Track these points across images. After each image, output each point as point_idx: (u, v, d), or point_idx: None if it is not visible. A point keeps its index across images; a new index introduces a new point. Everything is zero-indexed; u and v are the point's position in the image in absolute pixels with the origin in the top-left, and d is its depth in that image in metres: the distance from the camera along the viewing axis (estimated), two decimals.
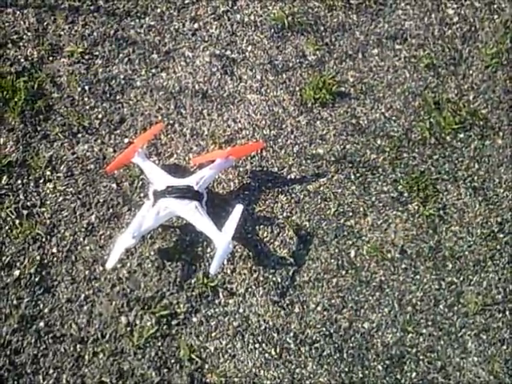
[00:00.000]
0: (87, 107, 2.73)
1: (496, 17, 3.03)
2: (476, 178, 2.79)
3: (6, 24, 2.83)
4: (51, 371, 2.38)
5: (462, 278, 2.65)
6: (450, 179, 2.79)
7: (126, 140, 2.71)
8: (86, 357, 2.41)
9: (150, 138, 2.67)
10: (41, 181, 2.61)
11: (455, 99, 2.91)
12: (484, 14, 3.05)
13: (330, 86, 2.86)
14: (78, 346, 2.42)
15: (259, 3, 2.98)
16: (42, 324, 2.43)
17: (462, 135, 2.85)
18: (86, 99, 2.74)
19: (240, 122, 2.80)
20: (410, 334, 2.56)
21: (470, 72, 2.96)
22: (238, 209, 2.52)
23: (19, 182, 2.59)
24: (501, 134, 2.86)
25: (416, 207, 2.73)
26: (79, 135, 2.69)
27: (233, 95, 2.84)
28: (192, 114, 2.78)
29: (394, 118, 2.86)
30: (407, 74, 2.94)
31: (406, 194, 2.75)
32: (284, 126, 2.81)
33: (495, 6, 3.05)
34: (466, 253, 2.68)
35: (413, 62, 2.96)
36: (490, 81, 2.94)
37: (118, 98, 2.77)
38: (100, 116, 2.73)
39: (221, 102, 2.82)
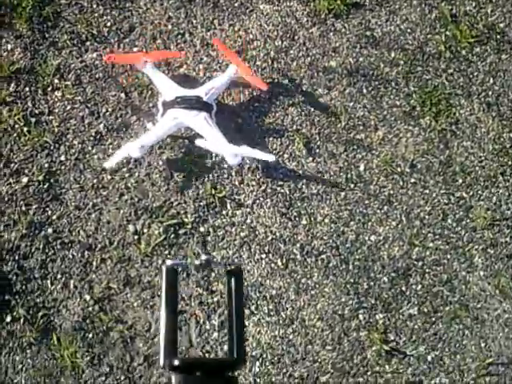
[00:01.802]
0: (96, 14, 2.69)
1: None
2: (490, 93, 2.74)
3: None
4: (59, 276, 2.40)
5: (471, 193, 2.63)
6: (464, 94, 2.74)
7: (135, 49, 2.67)
8: (94, 263, 2.43)
9: (162, 59, 2.63)
10: (49, 88, 2.59)
11: (473, 12, 2.84)
12: None
13: None
14: (86, 252, 2.44)
15: None
16: (50, 230, 2.44)
17: (477, 49, 2.79)
18: (94, 6, 2.70)
19: (251, 32, 2.75)
20: (417, 248, 2.56)
21: None
22: (270, 157, 2.48)
23: (27, 89, 2.57)
24: None
25: (428, 122, 2.69)
26: (88, 43, 2.66)
27: (244, 5, 2.78)
28: (203, 23, 2.74)
29: (409, 30, 2.80)
30: None
31: (418, 109, 2.71)
32: (296, 37, 2.76)
33: None
34: (477, 168, 2.66)
35: None
36: None
37: (127, 5, 2.72)
38: (109, 24, 2.69)
39: (232, 12, 2.76)
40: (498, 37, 2.80)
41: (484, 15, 2.83)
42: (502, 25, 2.82)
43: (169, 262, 1.39)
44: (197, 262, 1.38)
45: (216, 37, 2.70)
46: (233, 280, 1.37)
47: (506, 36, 2.80)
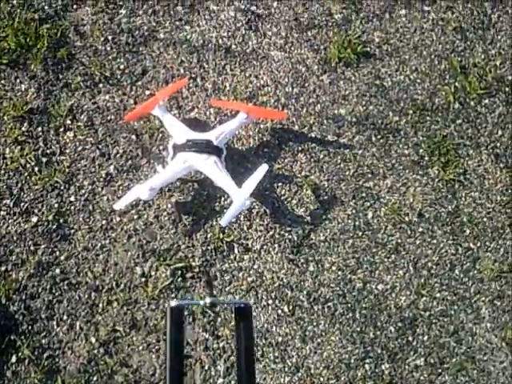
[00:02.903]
0: (109, 57, 2.72)
1: None
2: (498, 144, 2.76)
3: None
4: (65, 317, 2.39)
5: (479, 244, 2.64)
6: (472, 145, 2.76)
7: (148, 92, 2.69)
8: (100, 305, 2.43)
9: (172, 93, 2.66)
10: (61, 129, 2.60)
11: (482, 64, 2.87)
12: None
13: (356, 45, 2.82)
14: (93, 294, 2.43)
15: None
16: (57, 271, 2.44)
17: (486, 101, 2.82)
18: (108, 49, 2.73)
19: (262, 78, 2.77)
20: (424, 298, 2.56)
21: (498, 37, 2.92)
22: (263, 168, 2.51)
23: (39, 129, 2.59)
24: None
25: (436, 171, 2.71)
26: (100, 85, 2.68)
27: (256, 51, 2.81)
28: (214, 68, 2.76)
29: (418, 80, 2.83)
30: (434, 36, 2.90)
31: (426, 158, 2.72)
32: (307, 84, 2.78)
33: None
34: (485, 219, 2.67)
35: (441, 25, 2.91)
36: None
37: (140, 49, 2.75)
38: (122, 67, 2.71)
39: (244, 58, 2.79)
40: (507, 89, 2.83)
41: (493, 67, 2.86)
42: (510, 77, 2.85)
43: (174, 303, 1.37)
44: (201, 302, 1.36)
45: (227, 81, 2.73)
46: (241, 320, 1.35)
47: None
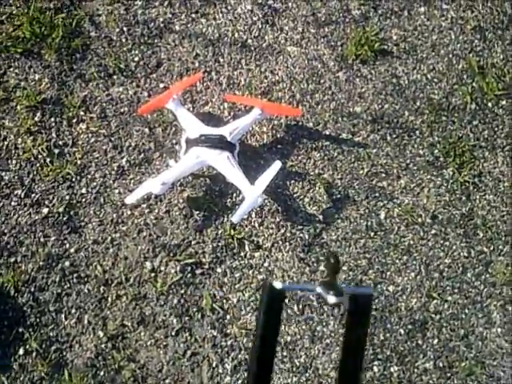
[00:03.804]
0: (124, 49, 2.69)
1: None
2: None
3: None
4: (73, 311, 2.39)
5: (492, 248, 2.61)
6: (488, 147, 2.73)
7: (162, 85, 2.67)
8: (109, 299, 2.42)
9: (186, 86, 2.64)
10: (74, 120, 2.59)
11: (500, 65, 2.83)
12: None
13: (373, 42, 2.79)
14: (102, 287, 2.42)
15: None
16: (67, 263, 2.43)
17: (504, 102, 2.78)
18: (123, 40, 2.70)
19: (278, 74, 2.75)
20: (435, 300, 2.53)
21: None
22: (276, 165, 2.48)
23: (52, 119, 2.57)
24: None
25: (451, 173, 2.68)
26: (115, 77, 2.66)
27: (272, 46, 2.78)
28: (230, 62, 2.74)
29: (435, 80, 2.80)
30: (453, 35, 2.86)
31: (441, 159, 2.69)
32: (322, 81, 2.76)
33: None
34: (498, 223, 2.64)
35: (459, 24, 2.88)
36: None
37: (155, 41, 2.72)
38: (137, 59, 2.69)
39: (260, 53, 2.77)
40: None
41: (511, 68, 2.82)
42: None
43: (278, 284, 1.10)
44: (318, 289, 1.10)
45: (242, 76, 2.71)
46: (357, 309, 1.13)
47: None
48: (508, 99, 2.78)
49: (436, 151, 2.70)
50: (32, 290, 2.39)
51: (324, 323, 2.47)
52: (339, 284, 1.14)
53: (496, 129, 2.75)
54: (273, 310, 1.10)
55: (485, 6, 2.91)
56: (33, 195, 2.48)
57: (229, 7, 2.81)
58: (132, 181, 2.55)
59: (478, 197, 2.66)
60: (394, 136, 2.71)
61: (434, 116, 2.74)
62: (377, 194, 2.64)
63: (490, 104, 2.78)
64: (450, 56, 2.83)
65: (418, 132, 2.72)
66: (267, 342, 1.10)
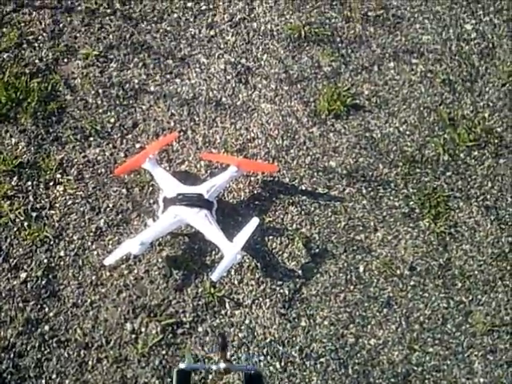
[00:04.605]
0: (100, 111, 2.72)
1: None
2: (489, 196, 2.76)
3: (22, 24, 2.83)
4: (54, 376, 2.36)
5: (470, 298, 2.62)
6: (463, 197, 2.76)
7: (138, 145, 2.69)
8: (90, 363, 2.39)
9: (163, 146, 2.66)
10: (51, 183, 2.59)
11: (470, 116, 2.89)
12: (502, 31, 3.04)
13: (345, 98, 2.84)
14: (82, 351, 2.40)
15: (276, 12, 2.98)
16: (46, 328, 2.41)
17: (476, 153, 2.83)
18: (99, 102, 2.73)
19: (253, 131, 2.78)
20: (417, 353, 2.53)
21: (487, 89, 2.94)
22: (254, 221, 2.50)
23: (29, 183, 2.58)
24: None
25: (427, 224, 2.71)
26: (91, 138, 2.68)
27: (246, 104, 2.82)
28: (205, 121, 2.77)
29: (408, 132, 2.84)
30: (423, 88, 2.92)
31: (417, 210, 2.72)
32: (297, 136, 2.79)
33: None
34: (476, 272, 2.66)
35: (429, 77, 2.94)
36: (506, 99, 2.92)
37: (131, 102, 2.75)
38: (112, 120, 2.72)
39: (234, 111, 2.80)
40: (496, 141, 2.84)
41: (482, 119, 2.88)
42: (499, 129, 2.87)
43: (182, 365, 1.32)
44: (214, 367, 1.30)
45: (218, 134, 2.73)
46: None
47: (504, 140, 2.84)
48: (479, 150, 2.83)
49: (411, 203, 2.73)
50: (11, 356, 2.36)
51: (307, 379, 2.46)
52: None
53: (469, 179, 2.79)
54: None
55: (453, 59, 2.98)
56: (11, 260, 2.47)
57: (202, 67, 2.85)
58: (110, 242, 2.54)
59: (454, 247, 2.68)
60: (370, 189, 2.74)
61: (408, 168, 2.78)
62: (355, 247, 2.65)
63: (462, 155, 2.82)
64: (421, 109, 2.89)
65: (392, 184, 2.75)
66: None
